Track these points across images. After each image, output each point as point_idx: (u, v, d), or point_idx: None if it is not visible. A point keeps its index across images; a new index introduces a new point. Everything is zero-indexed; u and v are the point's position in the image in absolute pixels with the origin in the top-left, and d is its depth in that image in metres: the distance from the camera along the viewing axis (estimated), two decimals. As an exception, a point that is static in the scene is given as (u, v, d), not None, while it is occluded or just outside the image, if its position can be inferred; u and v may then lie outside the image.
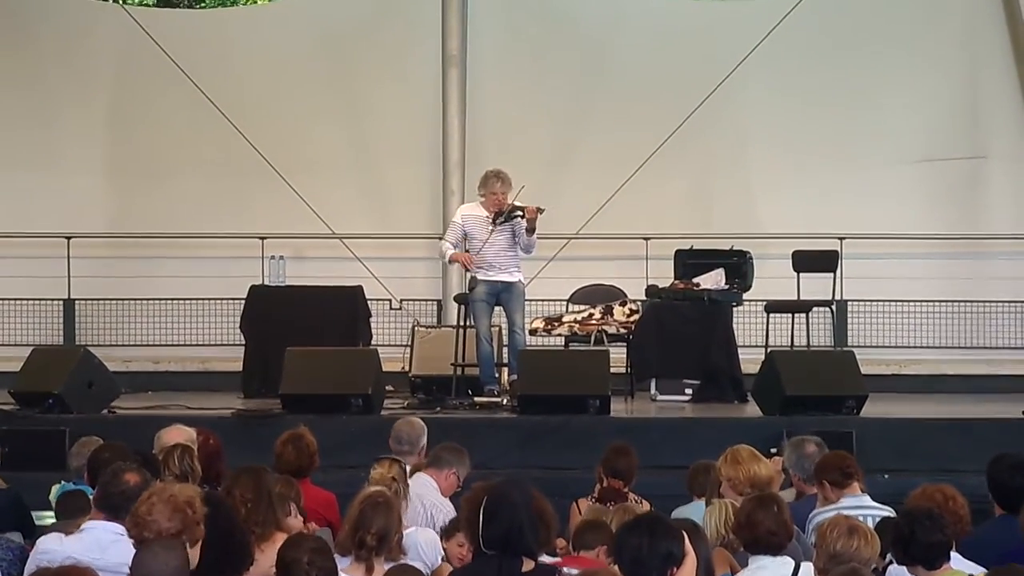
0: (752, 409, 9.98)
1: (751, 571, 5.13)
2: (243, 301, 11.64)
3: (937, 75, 13.73)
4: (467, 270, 10.36)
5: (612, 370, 9.90)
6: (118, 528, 5.02)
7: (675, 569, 4.37)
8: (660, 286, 11.25)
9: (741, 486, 6.07)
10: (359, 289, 11.49)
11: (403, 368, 11.33)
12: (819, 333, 12.40)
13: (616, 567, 4.43)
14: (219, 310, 13.21)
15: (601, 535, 5.48)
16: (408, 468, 6.52)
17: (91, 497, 6.24)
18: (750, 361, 10.72)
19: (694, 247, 11.65)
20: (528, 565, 4.71)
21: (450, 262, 10.73)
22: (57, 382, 9.48)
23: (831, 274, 12.31)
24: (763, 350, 11.25)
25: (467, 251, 10.28)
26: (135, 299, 13.41)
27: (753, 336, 12.20)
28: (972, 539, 5.69)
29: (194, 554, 4.53)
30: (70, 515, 6.04)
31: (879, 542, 5.01)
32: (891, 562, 5.28)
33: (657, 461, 8.08)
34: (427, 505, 6.38)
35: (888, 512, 6.08)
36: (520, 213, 10.01)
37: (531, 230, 10.02)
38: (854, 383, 9.55)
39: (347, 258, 13.18)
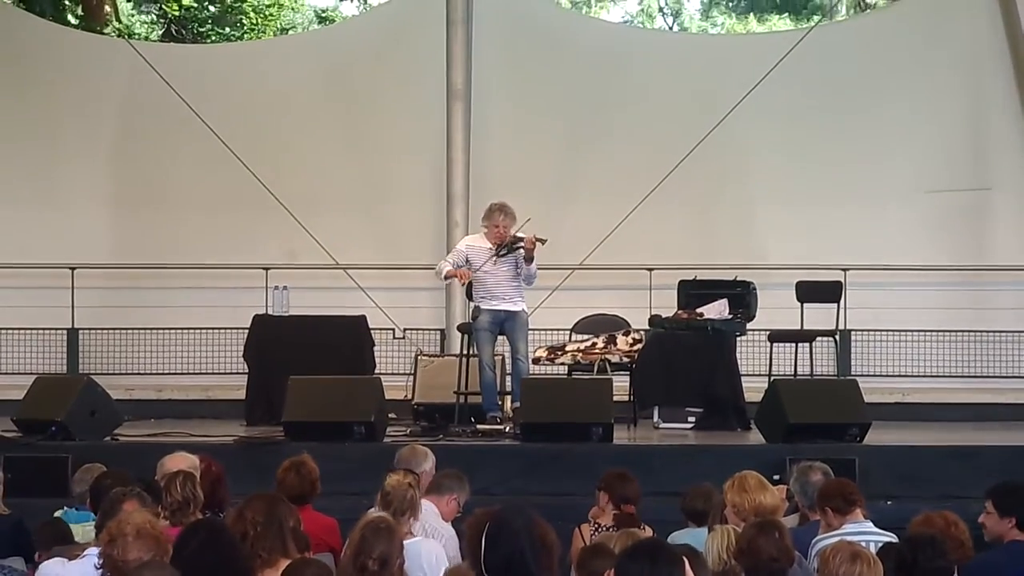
0: (755, 437, 9.94)
1: (753, 596, 5.13)
2: (247, 330, 11.66)
3: (941, 107, 13.77)
4: (469, 288, 10.25)
5: (615, 398, 9.86)
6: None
7: (676, 594, 4.37)
8: (663, 316, 11.24)
9: (745, 513, 6.03)
10: (362, 319, 11.50)
11: (406, 396, 11.34)
12: (822, 362, 12.37)
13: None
14: (223, 340, 13.22)
15: (608, 560, 5.43)
16: None
17: (84, 525, 6.29)
18: (753, 390, 10.68)
19: (698, 277, 11.65)
20: (530, 588, 4.71)
21: (446, 278, 10.58)
22: (60, 410, 9.45)
23: (835, 304, 12.30)
24: (766, 379, 11.21)
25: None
26: (138, 328, 13.44)
27: (756, 365, 12.21)
28: (976, 564, 5.68)
29: None
30: (43, 546, 5.98)
31: (882, 567, 4.99)
32: (893, 587, 5.28)
33: (659, 488, 8.04)
34: (428, 530, 6.40)
35: (890, 538, 6.06)
36: (522, 244, 10.05)
37: (529, 259, 10.05)
38: (857, 411, 9.49)
39: (350, 288, 13.20)
